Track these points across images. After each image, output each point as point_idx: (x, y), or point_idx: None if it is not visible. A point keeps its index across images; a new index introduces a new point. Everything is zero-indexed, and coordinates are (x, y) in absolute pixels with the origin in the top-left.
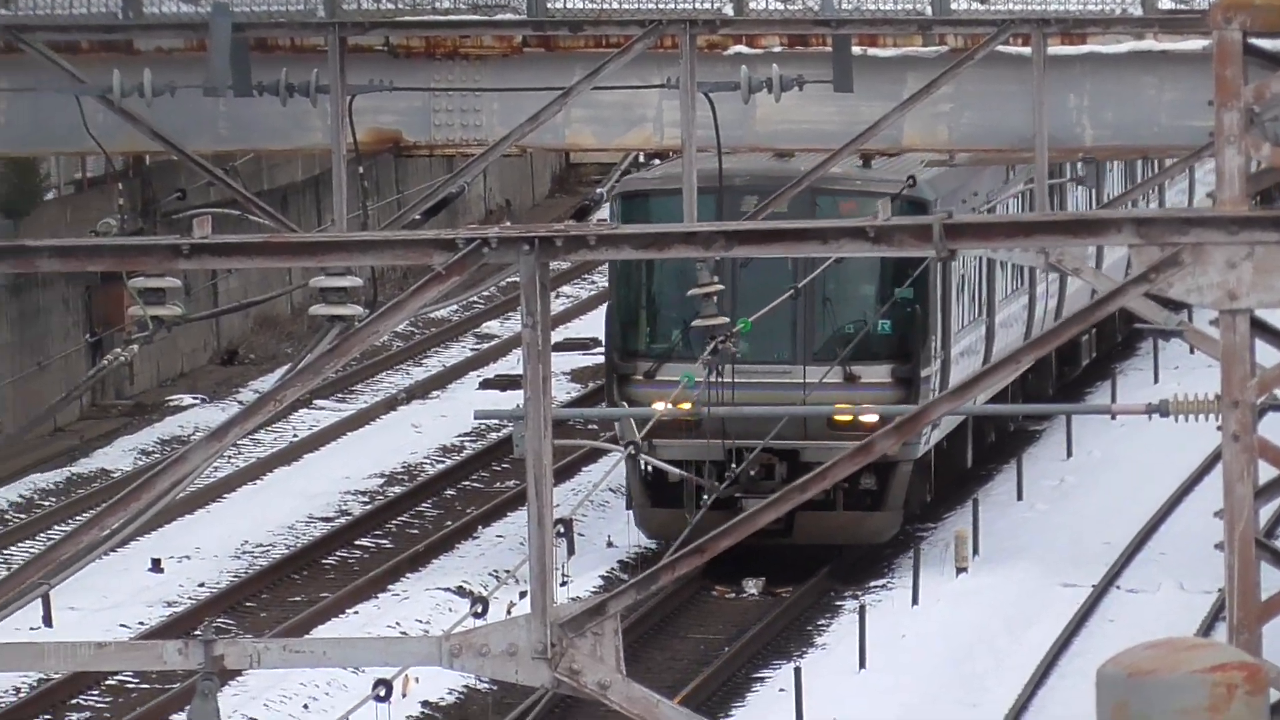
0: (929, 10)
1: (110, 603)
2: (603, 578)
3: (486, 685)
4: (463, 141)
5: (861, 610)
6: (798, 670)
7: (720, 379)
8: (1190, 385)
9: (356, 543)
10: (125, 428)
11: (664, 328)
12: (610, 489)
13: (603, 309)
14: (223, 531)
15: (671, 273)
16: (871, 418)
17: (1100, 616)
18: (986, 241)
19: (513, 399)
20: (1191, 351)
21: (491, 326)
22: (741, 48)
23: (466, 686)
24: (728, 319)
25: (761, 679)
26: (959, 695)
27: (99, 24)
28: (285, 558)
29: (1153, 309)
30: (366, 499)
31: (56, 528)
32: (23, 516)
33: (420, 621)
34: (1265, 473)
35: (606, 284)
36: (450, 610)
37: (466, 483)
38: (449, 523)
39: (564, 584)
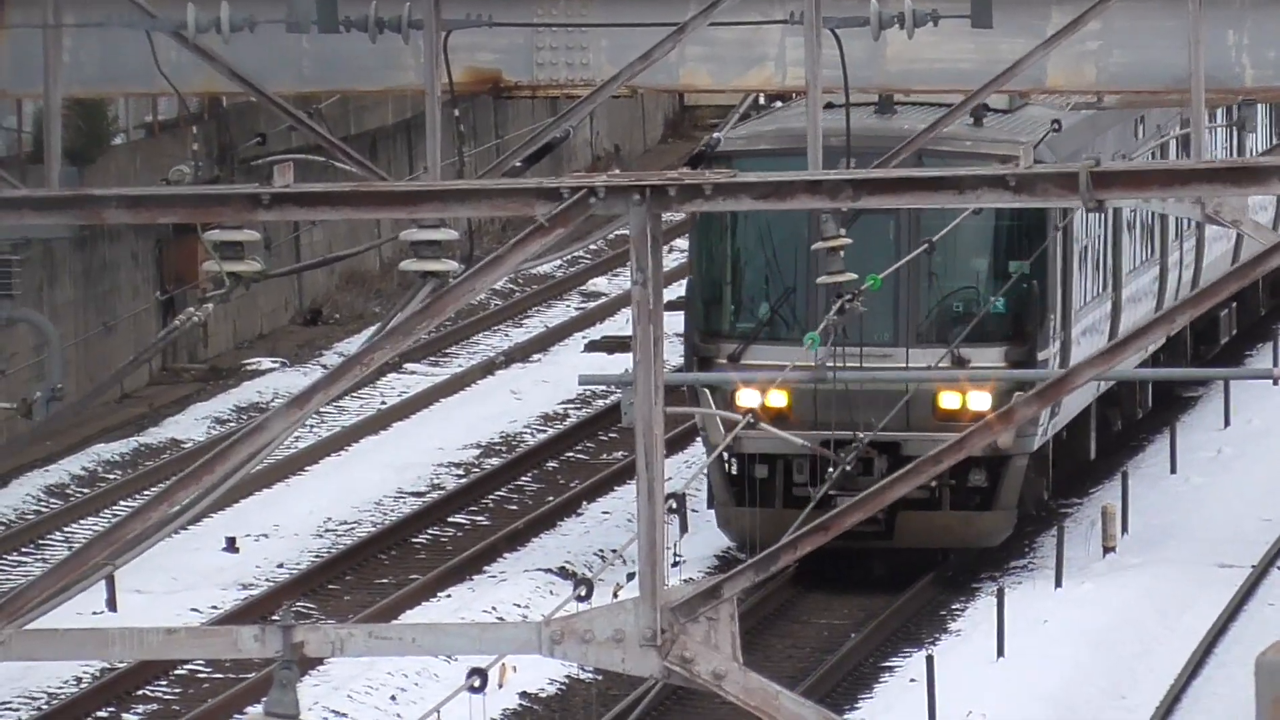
0: None
1: (181, 585)
2: (718, 558)
3: (590, 675)
4: (568, 82)
5: (1000, 593)
6: (930, 659)
7: (847, 339)
8: None
9: (449, 520)
10: (198, 394)
11: (752, 305)
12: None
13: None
14: (303, 508)
15: (762, 241)
16: (983, 403)
17: (1260, 600)
18: (1139, 190)
19: (621, 363)
20: None
21: (598, 284)
22: None
23: (569, 676)
24: (855, 275)
25: (891, 668)
26: (1106, 686)
27: None
28: (371, 536)
29: None
30: (461, 472)
31: (123, 503)
32: (86, 491)
33: (518, 606)
34: None
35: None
36: (551, 593)
37: (570, 454)
38: (550, 498)
39: (675, 564)
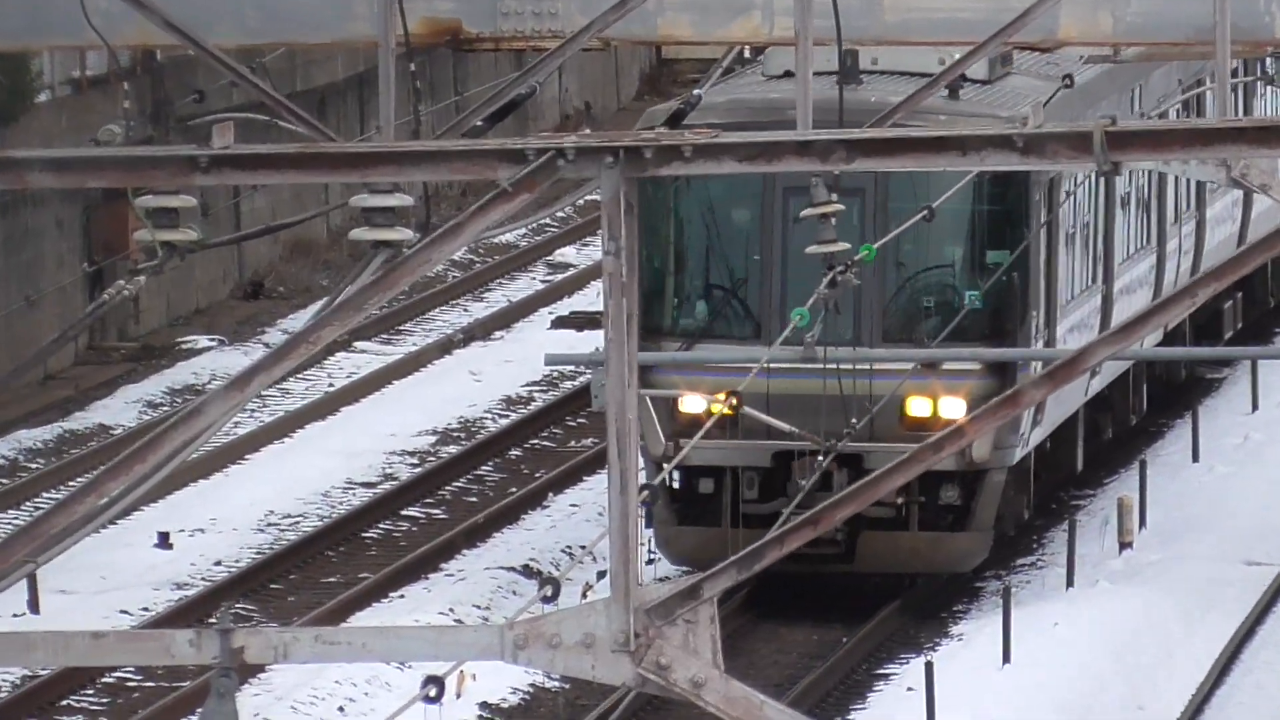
0: None
1: (109, 585)
2: None
3: (557, 683)
4: (534, 33)
5: (1005, 593)
6: (929, 665)
7: (839, 313)
8: None
9: (403, 513)
10: (129, 375)
11: (699, 299)
12: None
13: None
14: (244, 500)
15: (709, 222)
16: (956, 410)
17: None
18: (1158, 152)
19: (592, 340)
20: None
21: (566, 254)
22: None
23: (533, 685)
24: (849, 245)
25: (886, 675)
26: (1122, 694)
27: None
28: (318, 531)
29: None
30: (416, 460)
31: (46, 495)
32: (6, 481)
33: (479, 607)
34: None
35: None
36: (514, 594)
37: (535, 441)
38: (514, 489)
39: (650, 562)
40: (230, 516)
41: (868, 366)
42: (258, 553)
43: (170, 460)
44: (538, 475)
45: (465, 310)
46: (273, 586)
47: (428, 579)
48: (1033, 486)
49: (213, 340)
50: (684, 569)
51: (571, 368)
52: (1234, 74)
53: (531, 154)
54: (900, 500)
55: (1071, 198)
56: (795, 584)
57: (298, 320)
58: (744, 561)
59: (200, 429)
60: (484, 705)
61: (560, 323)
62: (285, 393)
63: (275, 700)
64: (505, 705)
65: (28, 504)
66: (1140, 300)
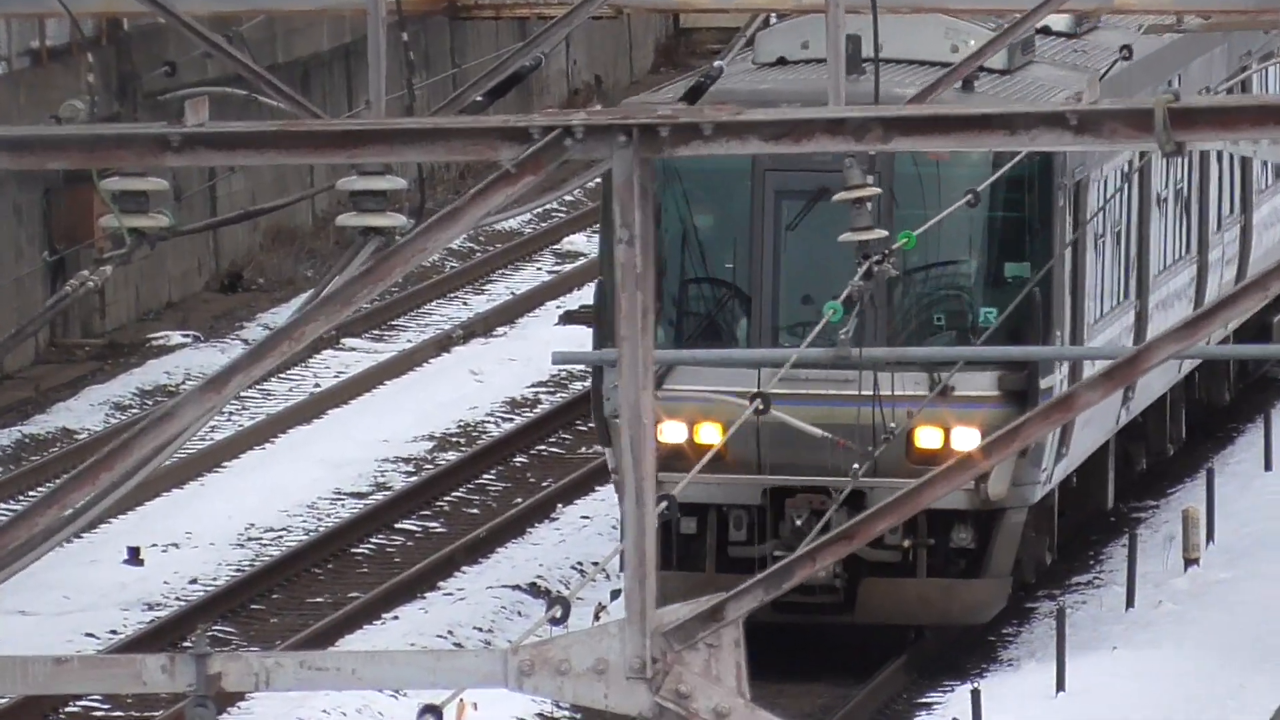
0: None
1: (74, 605)
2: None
3: (566, 713)
4: None
5: (1060, 615)
6: (976, 693)
7: (873, 303)
8: None
9: (397, 526)
10: (94, 375)
11: (682, 314)
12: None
13: None
14: (221, 511)
15: (692, 228)
16: (970, 442)
17: None
18: (1228, 130)
19: None
20: None
21: (575, 242)
22: None
23: (540, 715)
24: (886, 232)
25: (928, 705)
26: None
27: None
28: (303, 546)
29: None
30: (411, 469)
31: (3, 507)
32: None
33: (480, 630)
34: None
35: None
36: (520, 615)
37: (542, 447)
38: (519, 500)
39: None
40: (206, 530)
41: (871, 393)
42: (237, 570)
43: (140, 468)
44: (545, 485)
45: (464, 304)
46: (253, 607)
47: (424, 599)
48: (1056, 527)
49: (186, 336)
50: None
51: (581, 367)
52: None
53: (536, 132)
54: (906, 543)
55: (1100, 199)
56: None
57: (280, 315)
58: (771, 580)
59: (173, 433)
60: None
61: (568, 318)
62: (266, 394)
63: None
64: None
65: None
66: (1178, 315)
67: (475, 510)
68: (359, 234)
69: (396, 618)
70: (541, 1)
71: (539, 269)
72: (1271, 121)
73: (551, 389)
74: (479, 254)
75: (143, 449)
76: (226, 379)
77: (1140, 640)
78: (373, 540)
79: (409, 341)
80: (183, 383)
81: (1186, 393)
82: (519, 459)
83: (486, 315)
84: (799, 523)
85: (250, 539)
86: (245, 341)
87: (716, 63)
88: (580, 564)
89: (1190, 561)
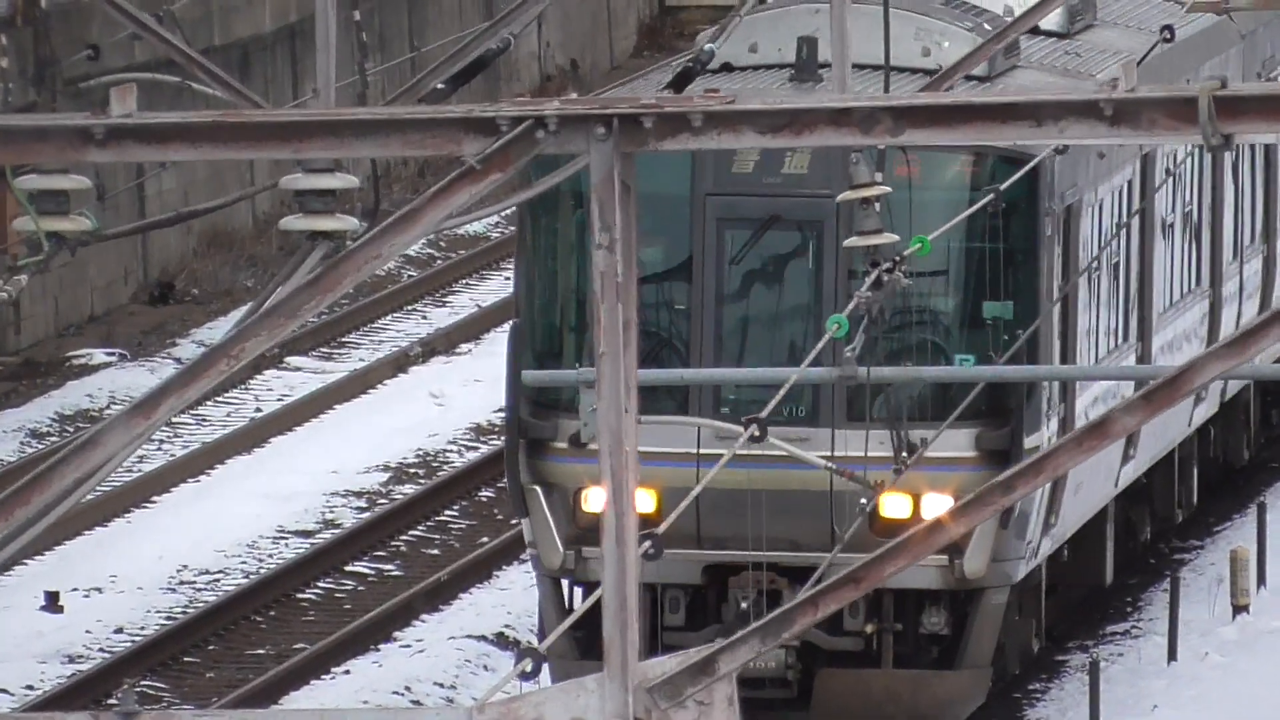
0: None
1: None
2: None
3: None
4: None
5: (1093, 669)
6: None
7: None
8: None
9: (348, 568)
10: (8, 397)
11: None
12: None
13: None
14: (151, 552)
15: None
16: (940, 507)
17: None
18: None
19: None
20: None
21: None
22: None
23: None
24: (897, 237)
25: None
26: None
27: None
28: (242, 591)
29: None
30: (363, 504)
31: None
32: None
33: (441, 685)
34: None
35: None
36: (485, 669)
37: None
38: (484, 539)
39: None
40: (133, 573)
41: (828, 454)
42: (167, 617)
43: (60, 502)
44: (514, 523)
45: (424, 318)
46: (186, 659)
47: (378, 650)
48: (1043, 609)
49: (111, 354)
50: None
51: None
52: None
53: (504, 124)
54: (870, 628)
55: (1094, 228)
56: None
57: (216, 330)
58: (769, 628)
59: (97, 464)
60: None
61: None
62: (201, 420)
63: None
64: None
65: None
66: (1187, 357)
67: (436, 551)
68: (305, 238)
69: (348, 672)
70: None
71: (507, 279)
72: None
73: None
74: (440, 261)
75: (62, 481)
76: (156, 402)
77: (1184, 698)
78: (321, 584)
79: (361, 360)
80: (107, 406)
81: (1199, 449)
82: (485, 493)
83: (448, 330)
84: (744, 605)
85: (183, 583)
86: (178, 360)
87: (707, 45)
88: None
89: (1239, 609)
